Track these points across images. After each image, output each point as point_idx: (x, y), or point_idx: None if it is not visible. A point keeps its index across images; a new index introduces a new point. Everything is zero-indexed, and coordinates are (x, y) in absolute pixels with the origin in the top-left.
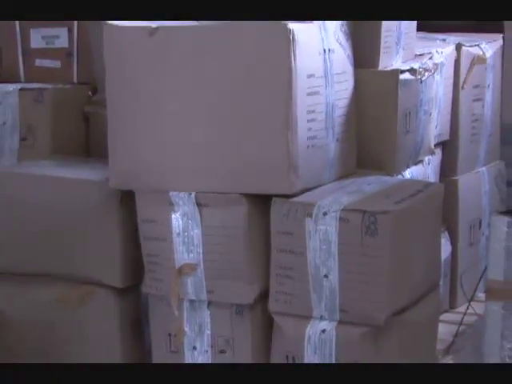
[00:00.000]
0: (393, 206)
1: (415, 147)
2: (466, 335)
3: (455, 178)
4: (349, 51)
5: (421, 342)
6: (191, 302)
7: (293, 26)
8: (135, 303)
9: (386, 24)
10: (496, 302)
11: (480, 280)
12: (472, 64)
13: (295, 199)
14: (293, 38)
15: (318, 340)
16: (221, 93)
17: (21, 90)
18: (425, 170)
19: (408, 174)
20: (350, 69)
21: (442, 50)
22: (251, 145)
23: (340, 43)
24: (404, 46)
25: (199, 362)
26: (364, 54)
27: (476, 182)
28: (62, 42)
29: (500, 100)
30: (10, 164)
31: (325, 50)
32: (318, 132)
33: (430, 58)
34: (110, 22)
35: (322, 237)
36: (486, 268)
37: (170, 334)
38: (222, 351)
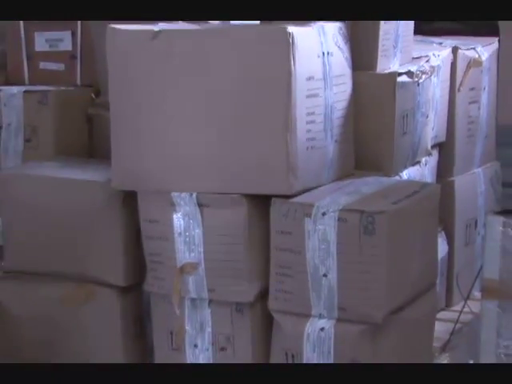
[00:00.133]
0: (390, 206)
1: (412, 148)
2: (462, 333)
3: (451, 178)
4: (347, 54)
5: (418, 339)
6: (192, 300)
7: (292, 29)
8: (137, 302)
9: (383, 27)
10: (491, 301)
11: (476, 279)
12: (468, 67)
13: (294, 199)
14: (292, 41)
15: (316, 338)
16: (221, 95)
17: (25, 92)
18: (422, 170)
19: (405, 174)
20: (348, 71)
21: (438, 53)
22: (251, 146)
23: (339, 46)
24: (401, 49)
25: (200, 359)
26: (362, 57)
27: (472, 183)
28: (66, 45)
29: (495, 102)
30: (15, 165)
31: (324, 53)
32: (316, 134)
33: (427, 61)
34: (112, 25)
35: (320, 236)
36: (481, 267)
37: (171, 332)
38: (223, 349)
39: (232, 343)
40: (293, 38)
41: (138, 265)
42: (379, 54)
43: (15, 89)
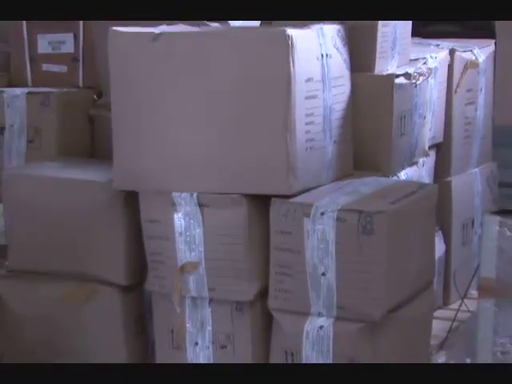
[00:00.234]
0: (388, 206)
1: (410, 149)
2: (459, 331)
3: (448, 179)
4: (346, 56)
5: (415, 337)
6: (193, 299)
7: (291, 31)
8: (139, 300)
9: (381, 30)
10: (488, 299)
11: (473, 278)
12: (465, 68)
13: (294, 200)
14: (291, 43)
15: (315, 336)
16: (222, 96)
17: (28, 93)
18: (419, 171)
19: (403, 175)
20: (346, 73)
21: (435, 55)
22: (251, 147)
23: (337, 48)
24: (399, 51)
25: (201, 357)
26: (360, 59)
27: (469, 183)
28: (68, 47)
29: (492, 103)
30: (18, 165)
31: (322, 55)
32: (315, 134)
33: (425, 63)
34: (114, 28)
35: (319, 236)
36: (478, 266)
37: (172, 331)
38: (223, 347)
39: (232, 341)
40: (292, 40)
41: (139, 264)
42: (377, 55)
43: (18, 90)
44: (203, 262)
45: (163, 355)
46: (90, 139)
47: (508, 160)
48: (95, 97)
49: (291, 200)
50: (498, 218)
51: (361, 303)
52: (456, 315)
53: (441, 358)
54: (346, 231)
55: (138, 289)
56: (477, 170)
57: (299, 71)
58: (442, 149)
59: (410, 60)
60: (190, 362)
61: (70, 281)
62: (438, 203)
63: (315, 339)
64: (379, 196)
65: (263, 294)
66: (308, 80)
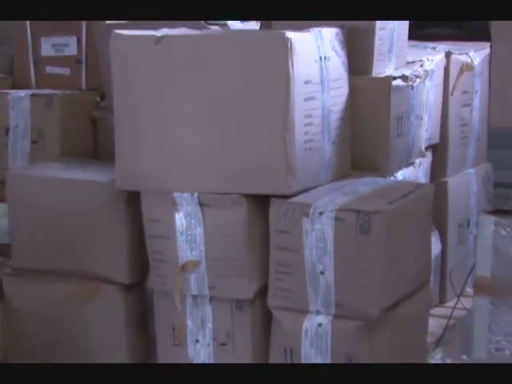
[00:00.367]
0: (386, 206)
1: (407, 150)
2: (455, 329)
3: (445, 179)
4: (344, 59)
5: (412, 335)
6: (194, 297)
7: (290, 34)
8: (141, 298)
9: (379, 33)
10: (483, 297)
11: (468, 276)
12: (461, 71)
13: (293, 199)
14: (290, 46)
15: (314, 333)
16: (222, 98)
17: (32, 95)
18: (416, 171)
19: (400, 175)
20: (345, 75)
21: (432, 57)
22: (251, 148)
23: (335, 51)
24: (396, 53)
25: (201, 354)
26: (358, 62)
27: (464, 184)
28: (71, 50)
29: (487, 105)
30: (22, 166)
31: (321, 58)
32: (314, 135)
33: (421, 66)
34: (116, 31)
35: (318, 235)
36: (474, 265)
37: (173, 328)
38: (223, 344)
39: (232, 339)
40: (291, 42)
41: (141, 263)
42: (375, 58)
43: (22, 92)
44: (204, 261)
45: (164, 352)
46: (92, 140)
47: (503, 161)
48: (98, 99)
49: (290, 200)
50: (493, 218)
51: (359, 301)
52: (452, 313)
53: (437, 355)
54: (344, 231)
55: (140, 287)
56: (472, 170)
57: (298, 73)
58: (438, 150)
59: (407, 62)
60: (190, 359)
61: (73, 279)
62: (434, 203)
63: (314, 337)
64: (377, 196)
65: (263, 292)
66: (307, 82)
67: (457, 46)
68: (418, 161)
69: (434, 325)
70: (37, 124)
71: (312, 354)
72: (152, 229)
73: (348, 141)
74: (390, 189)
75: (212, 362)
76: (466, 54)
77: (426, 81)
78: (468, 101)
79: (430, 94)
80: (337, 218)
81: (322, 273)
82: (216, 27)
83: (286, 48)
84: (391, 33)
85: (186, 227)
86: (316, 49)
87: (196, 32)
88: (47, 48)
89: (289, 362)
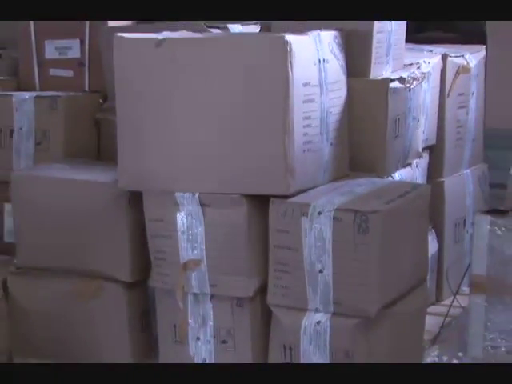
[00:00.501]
0: (383, 205)
1: (404, 151)
2: (452, 326)
3: (441, 179)
4: (342, 61)
5: (409, 332)
6: (195, 295)
7: (290, 37)
8: (143, 296)
9: (376, 36)
10: (479, 296)
11: (464, 275)
12: (457, 73)
13: (292, 199)
14: (290, 49)
15: (313, 331)
16: (222, 100)
17: (36, 97)
18: (413, 172)
19: (397, 175)
20: (343, 78)
21: (429, 60)
22: (251, 149)
23: (334, 54)
24: (393, 56)
25: (202, 351)
26: (356, 64)
27: (460, 184)
28: (75, 52)
29: (483, 107)
30: (26, 167)
31: (320, 61)
32: (313, 137)
33: (418, 68)
34: (119, 34)
35: (316, 235)
36: (470, 264)
37: (175, 325)
38: (224, 341)
39: (233, 336)
40: (290, 45)
41: (143, 261)
42: (372, 61)
43: (27, 94)
44: (205, 260)
45: (166, 349)
46: (95, 141)
47: (498, 161)
48: (101, 100)
49: (289, 200)
50: (488, 218)
51: (356, 299)
52: (448, 311)
53: (434, 352)
54: (342, 230)
55: (142, 285)
56: (468, 171)
57: (297, 76)
58: (434, 150)
59: (404, 65)
60: (191, 356)
61: (77, 278)
62: (431, 203)
63: (312, 334)
64: (374, 196)
65: (262, 290)
66: (306, 84)
67: (453, 48)
68: (414, 161)
69: (431, 322)
70: (41, 125)
71: (311, 350)
72: (154, 228)
73: (346, 142)
74: (387, 189)
75: (213, 358)
76: (462, 56)
77: (423, 83)
78: (464, 102)
79: (426, 96)
80: (335, 218)
81: (321, 271)
82: (216, 30)
83: (285, 51)
84: (389, 36)
85: (188, 227)
86: (315, 52)
87: (197, 35)
88: (51, 51)
89: (288, 358)
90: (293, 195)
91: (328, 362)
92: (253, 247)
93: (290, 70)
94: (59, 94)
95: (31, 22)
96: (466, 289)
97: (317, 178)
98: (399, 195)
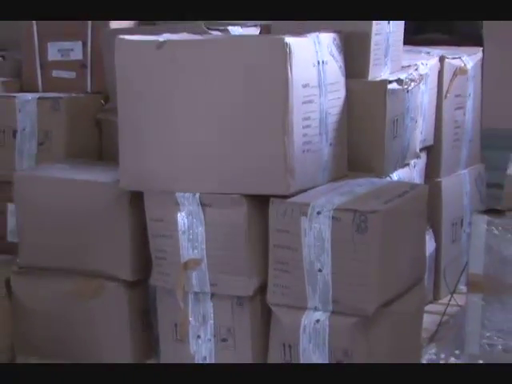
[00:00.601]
0: (381, 205)
1: (402, 151)
2: (449, 325)
3: (439, 179)
4: (341, 63)
5: (407, 330)
6: (195, 294)
7: (289, 39)
8: (144, 295)
9: (375, 38)
10: (476, 294)
11: (462, 274)
12: (454, 75)
13: (291, 199)
14: (289, 50)
15: (312, 329)
16: (222, 101)
17: (39, 98)
18: (411, 172)
19: (395, 176)
20: (342, 79)
21: (426, 61)
22: (251, 149)
23: (333, 55)
24: (392, 58)
25: (203, 349)
26: (355, 66)
27: (458, 184)
28: (77, 54)
29: (480, 108)
30: (29, 167)
31: (319, 62)
32: (312, 137)
33: (416, 70)
34: (120, 36)
35: (316, 234)
36: (467, 263)
37: (175, 324)
38: (224, 339)
39: (233, 334)
40: (290, 47)
41: (144, 261)
42: (371, 62)
43: (29, 96)
44: (205, 259)
45: (167, 348)
46: (97, 142)
47: (495, 162)
48: (102, 102)
49: (289, 200)
50: (485, 217)
51: (355, 298)
52: (446, 309)
53: (431, 350)
54: (341, 230)
55: (143, 284)
56: (465, 171)
57: (296, 77)
58: (432, 151)
59: (402, 67)
60: (192, 354)
61: (79, 277)
62: (428, 203)
63: (312, 332)
64: (373, 196)
65: (262, 289)
66: (305, 86)
67: (450, 50)
68: (412, 162)
69: (429, 321)
70: (43, 126)
71: (310, 349)
72: (155, 228)
73: (345, 142)
74: (385, 189)
75: (213, 357)
76: (459, 58)
77: (421, 84)
78: (461, 104)
79: (424, 97)
80: (334, 218)
81: (320, 270)
82: (217, 32)
83: (284, 53)
84: (387, 38)
85: (188, 226)
86: (314, 53)
87: (197, 37)
88: (53, 53)
89: (288, 356)
90: (292, 195)
91: (327, 359)
92: (253, 247)
93: (289, 71)
94: (61, 95)
95: (34, 25)
96: (463, 287)
97: (316, 178)
98: (397, 195)
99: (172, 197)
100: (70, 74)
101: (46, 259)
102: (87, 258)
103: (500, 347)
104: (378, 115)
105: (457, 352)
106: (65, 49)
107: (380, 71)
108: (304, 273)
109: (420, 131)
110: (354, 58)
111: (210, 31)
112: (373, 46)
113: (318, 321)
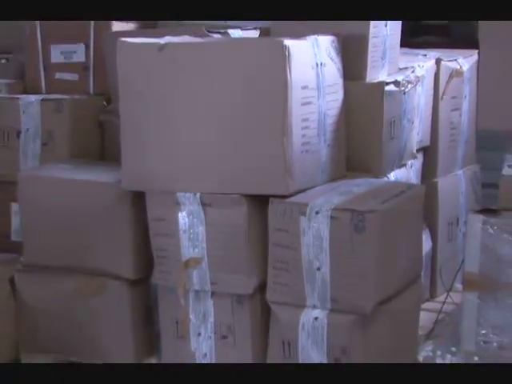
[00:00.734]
0: (379, 205)
1: (399, 152)
2: (445, 322)
3: (435, 180)
4: (339, 65)
5: (404, 328)
6: (196, 292)
7: (288, 42)
8: (146, 293)
9: (372, 41)
10: (472, 292)
11: (458, 272)
12: (450, 77)
13: (290, 199)
14: (288, 53)
15: (311, 327)
16: (222, 103)
17: (42, 100)
18: (408, 172)
19: (392, 176)
20: (340, 81)
21: (423, 64)
22: (251, 150)
23: (331, 58)
24: (389, 60)
25: (203, 346)
26: (353, 68)
27: (454, 184)
28: (80, 56)
29: (476, 109)
30: (32, 167)
31: (317, 64)
32: (311, 138)
33: (413, 72)
34: (122, 39)
35: (314, 233)
36: (463, 261)
37: (177, 322)
38: (224, 337)
39: (233, 332)
40: (289, 50)
41: (146, 259)
42: (368, 65)
43: (33, 97)
44: (206, 258)
45: (168, 345)
46: (99, 142)
47: (490, 162)
48: (105, 103)
49: (288, 200)
50: (481, 217)
51: (353, 296)
52: (442, 307)
53: (428, 347)
54: (339, 229)
55: (145, 283)
56: (461, 171)
57: (295, 79)
58: (428, 152)
59: (399, 69)
60: (193, 351)
61: (81, 275)
62: (425, 203)
63: (310, 330)
64: (370, 196)
65: (262, 287)
66: (304, 87)
67: (446, 53)
68: (409, 162)
69: (425, 318)
70: (47, 127)
71: (309, 346)
72: (156, 227)
73: (343, 143)
74: (382, 189)
75: (213, 354)
76: (455, 60)
77: (418, 86)
78: (457, 105)
79: (421, 99)
80: (332, 217)
81: (319, 269)
82: (217, 35)
83: (284, 55)
84: (384, 40)
85: (189, 226)
86: (312, 56)
87: (198, 39)
88: (56, 55)
89: (287, 354)
90: (291, 195)
91: (325, 356)
92: (252, 246)
93: (288, 73)
94: (64, 96)
95: (37, 28)
96: (459, 286)
97: (315, 179)
98: (395, 195)
99: (173, 197)
100: (72, 76)
101: (50, 258)
102: (90, 257)
103: (495, 344)
104: (376, 116)
105: (453, 349)
106: (68, 51)
107: (377, 73)
108: (303, 271)
109: (417, 132)
110: (352, 60)
111: (210, 34)
112: (370, 49)
113: (316, 318)
